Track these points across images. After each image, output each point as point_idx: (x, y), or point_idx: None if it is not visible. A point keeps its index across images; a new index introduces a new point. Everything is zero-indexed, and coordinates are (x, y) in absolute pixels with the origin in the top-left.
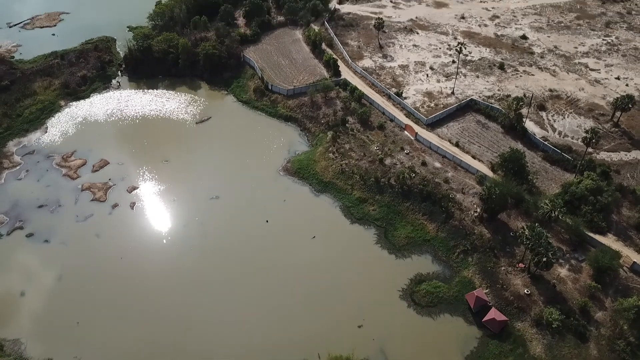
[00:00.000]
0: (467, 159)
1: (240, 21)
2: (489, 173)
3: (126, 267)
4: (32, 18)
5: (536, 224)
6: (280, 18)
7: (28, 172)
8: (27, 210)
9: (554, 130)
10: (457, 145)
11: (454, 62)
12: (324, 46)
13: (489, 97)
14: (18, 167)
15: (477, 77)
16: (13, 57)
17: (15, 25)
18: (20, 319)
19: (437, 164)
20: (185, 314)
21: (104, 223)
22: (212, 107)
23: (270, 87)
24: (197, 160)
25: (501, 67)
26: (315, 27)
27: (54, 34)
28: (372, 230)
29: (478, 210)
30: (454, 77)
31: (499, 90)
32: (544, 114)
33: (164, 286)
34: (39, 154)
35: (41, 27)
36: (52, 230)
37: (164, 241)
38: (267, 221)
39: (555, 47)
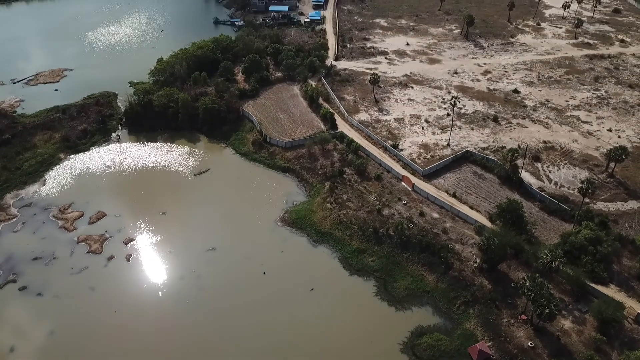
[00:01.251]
0: (464, 209)
1: (240, 77)
2: (487, 223)
3: (120, 321)
4: (36, 74)
5: (537, 275)
6: (278, 74)
7: (24, 224)
8: (22, 262)
9: (550, 180)
10: (454, 195)
11: (448, 114)
12: (321, 101)
13: (484, 148)
14: (14, 220)
15: (472, 129)
16: (15, 111)
17: (19, 81)
18: None
19: (435, 215)
20: None
21: (99, 275)
22: (211, 159)
23: (268, 140)
24: (195, 212)
25: (495, 119)
26: (313, 83)
27: (56, 90)
28: (371, 282)
29: (478, 260)
30: (449, 129)
31: (493, 142)
32: (539, 165)
33: (158, 341)
34: (36, 206)
35: (44, 83)
36: (46, 283)
37: (160, 294)
38: (264, 273)
39: (547, 100)
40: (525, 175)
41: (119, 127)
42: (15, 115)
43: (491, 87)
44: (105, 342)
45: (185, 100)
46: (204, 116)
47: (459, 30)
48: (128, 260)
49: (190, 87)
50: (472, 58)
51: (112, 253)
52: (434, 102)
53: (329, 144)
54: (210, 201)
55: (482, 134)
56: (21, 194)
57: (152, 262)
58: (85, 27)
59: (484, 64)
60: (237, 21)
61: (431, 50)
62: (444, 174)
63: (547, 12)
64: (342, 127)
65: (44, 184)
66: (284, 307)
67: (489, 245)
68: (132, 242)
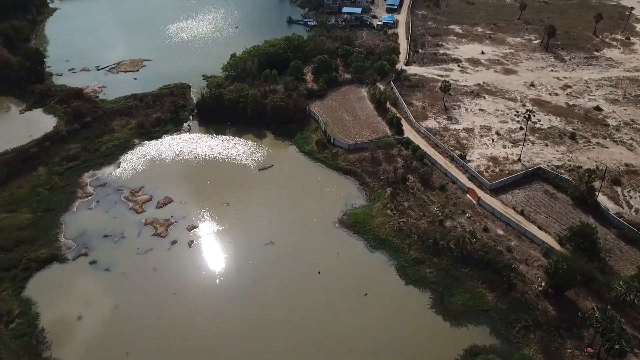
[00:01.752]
0: (532, 228)
1: (309, 76)
2: (556, 246)
3: (178, 303)
4: (118, 63)
5: (608, 307)
6: (347, 76)
7: (98, 203)
8: (93, 238)
9: (630, 207)
10: (522, 213)
11: (521, 128)
12: (388, 105)
13: (558, 166)
14: (90, 198)
15: (546, 145)
16: (97, 96)
17: (102, 68)
18: (75, 343)
19: (500, 231)
20: (229, 358)
21: (162, 258)
22: (275, 156)
23: (332, 141)
24: (256, 206)
25: (572, 137)
26: (381, 86)
27: (135, 78)
28: (427, 294)
29: (543, 284)
30: (522, 143)
31: (569, 160)
32: (618, 189)
33: (211, 326)
34: (110, 186)
35: (125, 72)
36: (114, 260)
37: (217, 281)
38: (319, 273)
39: (633, 120)
40: (602, 199)
41: (190, 118)
42: (97, 100)
43: (570, 103)
44: (163, 321)
45: (254, 97)
46: (272, 113)
47: (538, 40)
48: (190, 246)
49: (260, 83)
50: (551, 71)
51: (175, 238)
52: (507, 114)
53: (393, 149)
54: (271, 196)
55: (557, 151)
56: (97, 174)
57: (212, 250)
58: (166, 21)
59: (564, 77)
60: (309, 21)
61: (507, 60)
62: (513, 190)
63: (639, 26)
64: (409, 133)
65: (119, 167)
66: (335, 309)
67: (557, 270)
68: (195, 229)
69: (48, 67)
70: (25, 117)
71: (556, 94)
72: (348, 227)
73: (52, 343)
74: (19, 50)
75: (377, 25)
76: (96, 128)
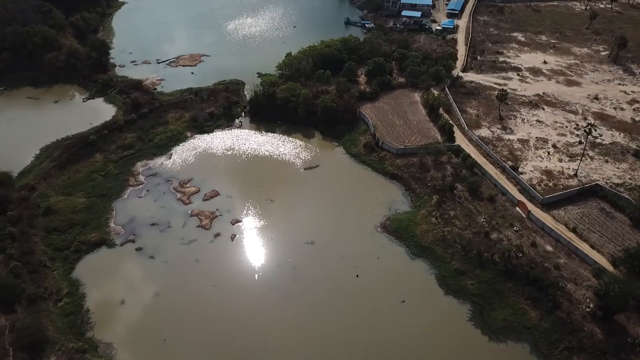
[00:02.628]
0: (584, 247)
1: (362, 78)
2: (609, 267)
3: (217, 295)
4: (178, 57)
5: None
6: (401, 79)
7: (148, 191)
8: (141, 226)
9: None
10: (574, 230)
11: (580, 142)
12: (441, 111)
13: (617, 184)
14: (141, 186)
15: (606, 161)
16: (155, 89)
17: (162, 62)
18: (116, 325)
19: (549, 248)
20: (266, 354)
21: (205, 250)
22: (322, 156)
23: (380, 144)
24: (299, 204)
25: (636, 155)
26: (435, 92)
27: (192, 73)
28: (466, 306)
29: (591, 305)
30: (579, 158)
31: (630, 179)
32: None
33: (247, 320)
34: (160, 177)
35: (183, 66)
36: (159, 248)
37: (256, 276)
38: (357, 276)
39: None
40: None
41: (242, 114)
42: (155, 92)
43: (637, 119)
44: (201, 312)
45: (306, 96)
46: (322, 114)
47: (607, 52)
48: (232, 240)
49: (313, 83)
50: (619, 84)
51: (219, 231)
52: (566, 127)
53: (443, 156)
54: (315, 196)
55: (617, 168)
56: (149, 164)
57: (253, 245)
58: (226, 17)
59: (632, 92)
60: (367, 23)
61: (571, 71)
62: (566, 206)
63: None
64: (460, 140)
65: (170, 158)
66: (372, 313)
67: (608, 291)
68: (238, 223)
69: (112, 58)
70: (87, 105)
71: (622, 109)
72: (390, 233)
73: (95, 324)
74: (87, 41)
75: (436, 29)
76: (152, 119)
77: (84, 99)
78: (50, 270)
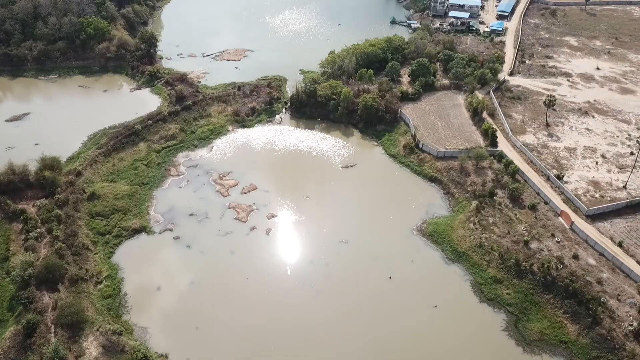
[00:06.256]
0: (630, 263)
1: (405, 79)
2: None
3: (250, 288)
4: (222, 51)
5: None
6: (445, 81)
7: (188, 182)
8: (180, 215)
9: None
10: (620, 245)
11: (632, 153)
12: (485, 115)
13: None
14: (181, 177)
15: None
16: (200, 82)
17: (208, 55)
18: (152, 311)
19: (592, 261)
20: (294, 349)
21: (240, 242)
22: (360, 155)
23: (420, 146)
24: (335, 202)
25: None
26: (480, 95)
27: (236, 67)
28: (501, 315)
29: (635, 324)
30: (630, 170)
31: None
32: None
33: (279, 313)
34: (200, 168)
35: (228, 60)
36: (196, 238)
37: (289, 271)
38: (390, 278)
39: None
40: None
41: (283, 110)
42: (199, 85)
43: None
44: (233, 303)
45: (347, 95)
46: (362, 113)
47: None
48: (267, 234)
49: (355, 82)
50: None
51: (255, 224)
52: (617, 136)
53: (484, 161)
54: (351, 195)
55: None
56: (191, 155)
57: (287, 241)
58: (270, 13)
59: None
60: (413, 23)
61: (626, 79)
62: (613, 219)
63: None
64: (503, 146)
65: (211, 150)
66: (403, 316)
67: None
68: (274, 218)
69: (160, 50)
70: (134, 95)
71: None
72: (426, 236)
73: (132, 308)
74: (137, 33)
75: (484, 31)
76: (195, 111)
77: (131, 89)
78: (92, 253)
